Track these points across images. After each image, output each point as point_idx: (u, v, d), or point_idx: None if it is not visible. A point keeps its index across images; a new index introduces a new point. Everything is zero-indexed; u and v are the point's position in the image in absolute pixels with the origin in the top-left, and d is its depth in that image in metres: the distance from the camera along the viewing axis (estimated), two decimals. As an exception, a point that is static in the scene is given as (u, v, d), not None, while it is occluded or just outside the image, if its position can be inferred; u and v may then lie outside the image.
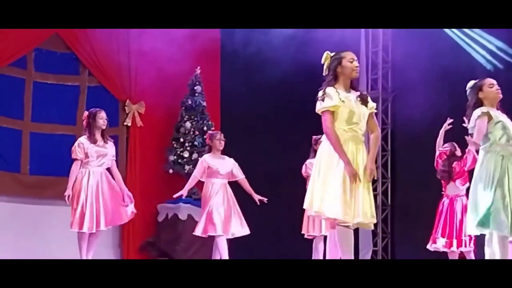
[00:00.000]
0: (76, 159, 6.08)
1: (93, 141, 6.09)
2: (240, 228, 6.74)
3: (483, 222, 4.69)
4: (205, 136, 8.73)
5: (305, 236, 7.06)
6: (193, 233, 6.89)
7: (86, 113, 6.24)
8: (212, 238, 7.04)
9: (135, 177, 8.70)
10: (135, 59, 8.69)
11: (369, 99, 4.63)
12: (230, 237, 6.71)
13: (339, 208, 4.31)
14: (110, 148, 6.22)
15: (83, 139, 6.13)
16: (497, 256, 4.70)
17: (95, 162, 6.08)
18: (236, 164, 6.93)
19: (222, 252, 6.65)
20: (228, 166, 6.88)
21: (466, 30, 8.61)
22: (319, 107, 4.49)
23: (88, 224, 5.93)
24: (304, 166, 7.06)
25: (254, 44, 7.90)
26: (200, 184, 8.84)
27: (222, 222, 6.65)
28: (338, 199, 4.32)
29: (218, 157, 6.88)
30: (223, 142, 6.89)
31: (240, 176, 6.91)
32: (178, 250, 8.47)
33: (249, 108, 8.61)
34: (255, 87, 9.04)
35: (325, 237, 6.72)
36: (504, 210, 4.66)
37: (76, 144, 6.11)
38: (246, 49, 8.57)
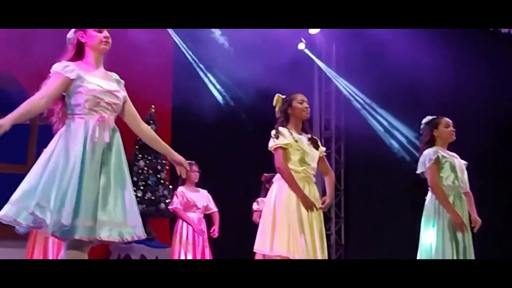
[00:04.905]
0: None
1: None
2: None
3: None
4: (158, 175, 8.70)
5: None
6: None
7: None
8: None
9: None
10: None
11: (319, 142, 4.70)
12: None
13: (301, 249, 4.29)
14: None
15: None
16: None
17: None
18: (210, 196, 6.63)
19: None
20: (204, 199, 6.57)
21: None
22: (272, 144, 4.50)
23: None
24: (255, 203, 6.91)
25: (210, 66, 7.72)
26: (155, 223, 8.71)
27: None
28: (299, 240, 4.31)
29: (194, 190, 6.55)
30: (198, 174, 6.52)
31: (213, 209, 6.59)
32: None
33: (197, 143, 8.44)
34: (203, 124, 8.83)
35: None
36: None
37: None
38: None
